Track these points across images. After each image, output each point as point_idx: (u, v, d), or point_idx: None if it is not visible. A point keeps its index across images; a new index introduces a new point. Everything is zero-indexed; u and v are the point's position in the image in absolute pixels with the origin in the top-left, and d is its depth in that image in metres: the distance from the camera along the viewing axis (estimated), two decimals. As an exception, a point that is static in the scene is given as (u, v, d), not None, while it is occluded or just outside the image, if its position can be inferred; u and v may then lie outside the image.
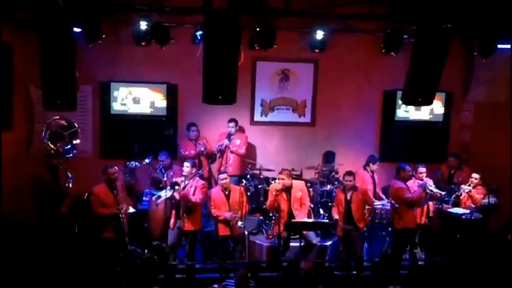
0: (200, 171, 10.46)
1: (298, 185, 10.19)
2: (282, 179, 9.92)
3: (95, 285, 8.83)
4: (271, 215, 10.39)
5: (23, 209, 10.53)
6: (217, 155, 11.89)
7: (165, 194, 9.95)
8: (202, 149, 11.55)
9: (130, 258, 8.93)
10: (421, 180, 10.42)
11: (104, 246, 9.64)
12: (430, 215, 10.60)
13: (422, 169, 10.45)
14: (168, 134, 12.15)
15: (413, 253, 10.38)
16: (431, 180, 10.66)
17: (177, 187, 9.70)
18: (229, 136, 11.65)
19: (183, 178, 9.79)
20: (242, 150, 11.75)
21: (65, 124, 10.11)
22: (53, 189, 10.16)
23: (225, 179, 9.95)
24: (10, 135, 9.54)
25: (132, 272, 8.55)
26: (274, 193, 9.87)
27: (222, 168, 11.67)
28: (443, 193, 10.58)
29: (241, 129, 12.09)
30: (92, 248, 9.78)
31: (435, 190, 10.36)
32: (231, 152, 11.66)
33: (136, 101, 11.83)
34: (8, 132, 9.16)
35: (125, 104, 11.81)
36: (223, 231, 9.91)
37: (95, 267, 9.12)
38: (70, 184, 10.26)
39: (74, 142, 10.14)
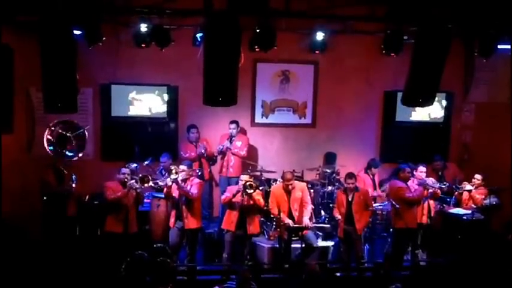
0: (198, 170, 10.46)
1: (298, 185, 10.19)
2: (291, 183, 9.97)
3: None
4: (272, 216, 10.36)
5: (24, 211, 10.57)
6: (219, 157, 11.87)
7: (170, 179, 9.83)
8: (203, 151, 11.54)
9: (138, 263, 8.91)
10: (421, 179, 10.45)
11: (109, 240, 9.67)
12: (432, 215, 10.56)
13: (422, 168, 10.43)
14: (171, 130, 12.24)
15: (415, 254, 10.36)
16: (432, 178, 10.66)
17: (173, 170, 9.65)
18: (230, 138, 11.64)
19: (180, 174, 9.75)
20: (243, 152, 11.73)
21: (70, 125, 10.11)
22: (59, 192, 10.19)
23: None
24: (11, 138, 9.54)
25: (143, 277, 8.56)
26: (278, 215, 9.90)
27: (223, 170, 11.68)
28: (443, 186, 10.53)
29: (242, 131, 12.07)
30: (95, 248, 9.82)
31: (436, 185, 10.32)
32: (232, 154, 11.64)
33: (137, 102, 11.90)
34: (9, 135, 9.16)
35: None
36: (230, 226, 9.87)
37: (99, 270, 9.14)
38: (74, 185, 10.29)
39: (81, 144, 10.12)
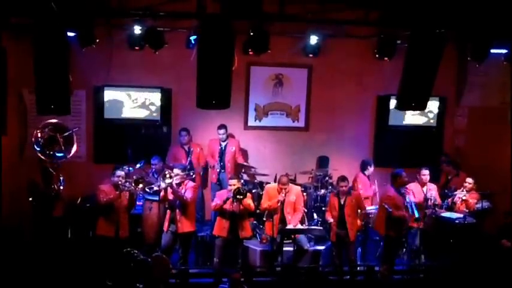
0: (192, 173, 10.45)
1: (293, 189, 10.21)
2: (285, 187, 9.98)
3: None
4: (264, 219, 10.37)
5: (17, 213, 10.55)
6: (214, 166, 11.78)
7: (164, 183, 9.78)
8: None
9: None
10: (425, 183, 10.57)
11: (100, 244, 9.62)
12: (425, 219, 10.58)
13: (425, 171, 10.50)
14: (163, 133, 12.27)
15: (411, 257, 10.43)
16: (434, 186, 10.71)
17: (167, 175, 9.63)
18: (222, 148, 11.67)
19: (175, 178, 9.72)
20: (241, 157, 11.88)
21: (59, 127, 10.08)
22: (45, 193, 10.17)
23: (234, 185, 9.84)
24: (4, 139, 9.53)
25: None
26: (278, 204, 9.93)
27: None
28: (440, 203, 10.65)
29: (231, 135, 12.01)
30: (86, 251, 9.80)
31: (437, 201, 10.50)
32: (237, 162, 11.73)
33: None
34: (2, 136, 9.15)
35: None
36: (222, 232, 9.85)
37: (88, 274, 9.14)
38: (61, 187, 10.26)
39: (69, 146, 10.09)
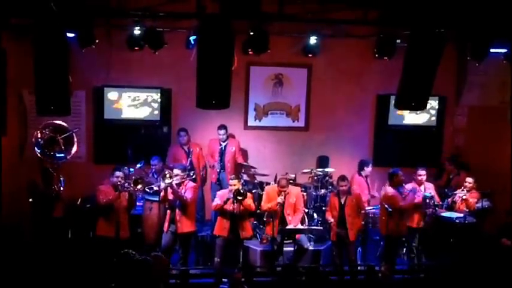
0: (192, 173, 10.45)
1: (293, 191, 10.21)
2: (284, 190, 9.97)
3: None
4: (265, 219, 10.37)
5: (17, 213, 10.55)
6: (214, 166, 11.81)
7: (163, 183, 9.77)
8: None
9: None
10: (422, 183, 10.54)
11: (100, 244, 9.64)
12: (425, 218, 10.59)
13: (421, 171, 10.49)
14: (163, 133, 12.27)
15: (411, 257, 10.44)
16: (432, 185, 10.72)
17: (167, 175, 9.63)
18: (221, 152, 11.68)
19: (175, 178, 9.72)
20: (241, 157, 11.86)
21: (59, 128, 10.07)
22: (45, 193, 10.18)
23: (234, 185, 9.83)
24: (4, 140, 9.53)
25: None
26: (278, 206, 9.94)
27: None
28: (428, 195, 10.63)
29: (231, 135, 11.99)
30: (86, 252, 9.80)
31: (436, 199, 10.52)
32: (237, 162, 11.71)
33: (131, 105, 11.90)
34: (2, 136, 9.15)
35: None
36: (222, 232, 9.84)
37: (87, 275, 9.13)
38: (61, 188, 10.26)
39: (69, 147, 10.08)
